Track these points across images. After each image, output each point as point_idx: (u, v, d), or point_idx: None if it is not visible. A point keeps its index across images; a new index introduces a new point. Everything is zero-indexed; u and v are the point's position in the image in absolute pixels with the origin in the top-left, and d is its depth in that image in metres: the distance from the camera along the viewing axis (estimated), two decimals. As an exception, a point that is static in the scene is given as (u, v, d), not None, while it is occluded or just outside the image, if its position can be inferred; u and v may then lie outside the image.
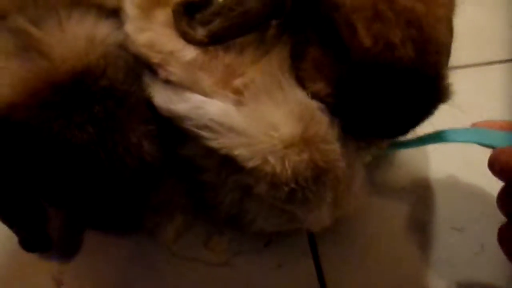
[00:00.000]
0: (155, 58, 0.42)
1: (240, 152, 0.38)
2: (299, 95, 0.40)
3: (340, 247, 0.53)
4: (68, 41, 0.37)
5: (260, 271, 0.51)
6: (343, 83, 0.39)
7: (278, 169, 0.38)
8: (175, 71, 0.41)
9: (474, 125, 0.45)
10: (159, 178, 0.43)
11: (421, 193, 0.57)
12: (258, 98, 0.40)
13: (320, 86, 0.40)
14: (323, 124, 0.39)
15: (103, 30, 0.40)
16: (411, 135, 0.43)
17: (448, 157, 0.58)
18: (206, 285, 0.50)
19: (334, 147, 0.40)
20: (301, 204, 0.40)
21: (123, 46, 0.41)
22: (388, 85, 0.38)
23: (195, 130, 0.40)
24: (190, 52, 0.41)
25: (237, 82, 0.41)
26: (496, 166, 0.40)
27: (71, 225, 0.50)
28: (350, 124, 0.41)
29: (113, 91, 0.38)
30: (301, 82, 0.42)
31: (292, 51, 0.42)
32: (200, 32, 0.40)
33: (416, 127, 0.41)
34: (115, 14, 0.43)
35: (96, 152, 0.36)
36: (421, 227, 0.54)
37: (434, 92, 0.40)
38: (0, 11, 0.39)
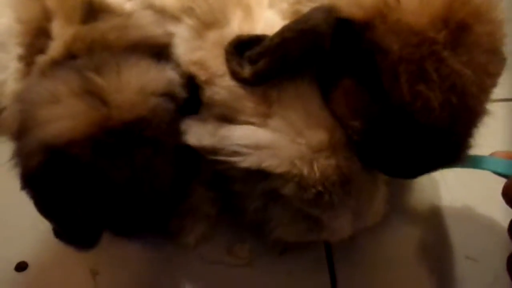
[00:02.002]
0: (203, 76, 0.46)
1: (268, 163, 0.42)
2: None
3: (355, 262, 0.54)
4: (124, 92, 0.42)
5: (274, 278, 0.53)
6: (372, 121, 0.40)
7: (305, 171, 0.41)
8: (219, 91, 0.45)
9: (493, 154, 0.46)
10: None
11: (438, 220, 0.58)
12: (290, 106, 0.43)
13: (347, 117, 0.42)
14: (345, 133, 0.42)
15: (154, 79, 0.44)
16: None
17: (466, 187, 0.59)
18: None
19: (356, 159, 0.42)
20: (327, 208, 0.43)
21: (170, 92, 0.45)
22: (413, 135, 0.38)
23: (227, 158, 0.43)
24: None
25: (273, 92, 0.43)
26: (509, 196, 0.42)
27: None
28: (366, 156, 0.42)
29: (154, 141, 0.43)
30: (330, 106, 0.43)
31: (322, 74, 0.43)
32: (247, 71, 0.42)
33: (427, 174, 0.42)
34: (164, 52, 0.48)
35: (128, 188, 0.42)
36: (436, 253, 0.55)
37: (454, 154, 0.40)
38: (73, 52, 0.45)
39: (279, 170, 0.41)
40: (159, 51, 0.48)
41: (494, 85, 0.40)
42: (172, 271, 0.54)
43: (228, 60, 0.44)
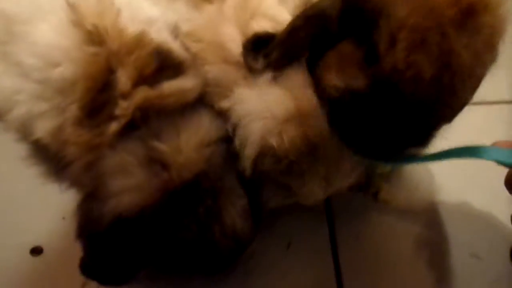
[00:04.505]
0: (194, 48, 0.47)
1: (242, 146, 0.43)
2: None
3: (360, 256, 0.55)
4: (183, 151, 0.42)
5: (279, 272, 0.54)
6: (357, 85, 0.39)
7: (276, 143, 0.41)
8: (210, 69, 0.46)
9: (495, 144, 0.46)
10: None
11: (438, 217, 0.58)
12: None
13: (332, 77, 0.41)
14: (312, 100, 0.42)
15: (208, 129, 0.45)
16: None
17: (464, 182, 0.59)
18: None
19: (322, 123, 0.42)
20: (297, 176, 0.44)
21: (222, 135, 0.45)
22: (392, 105, 0.38)
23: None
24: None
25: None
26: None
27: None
28: (338, 125, 0.42)
29: (213, 189, 0.43)
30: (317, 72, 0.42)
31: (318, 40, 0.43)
32: (261, 64, 0.43)
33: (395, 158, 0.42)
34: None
35: (197, 242, 0.43)
36: (439, 250, 0.55)
37: (425, 136, 0.40)
38: (135, 120, 0.43)
39: (251, 151, 0.43)
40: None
41: (482, 76, 0.40)
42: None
43: (244, 55, 0.45)
